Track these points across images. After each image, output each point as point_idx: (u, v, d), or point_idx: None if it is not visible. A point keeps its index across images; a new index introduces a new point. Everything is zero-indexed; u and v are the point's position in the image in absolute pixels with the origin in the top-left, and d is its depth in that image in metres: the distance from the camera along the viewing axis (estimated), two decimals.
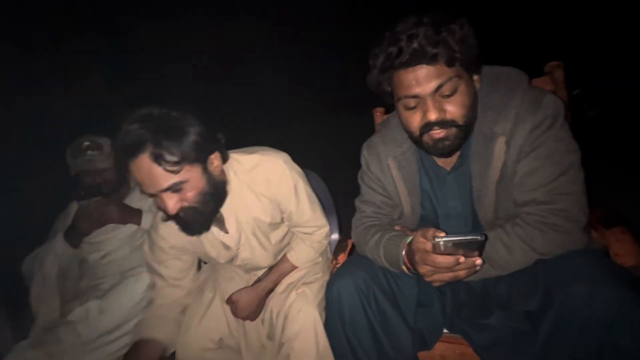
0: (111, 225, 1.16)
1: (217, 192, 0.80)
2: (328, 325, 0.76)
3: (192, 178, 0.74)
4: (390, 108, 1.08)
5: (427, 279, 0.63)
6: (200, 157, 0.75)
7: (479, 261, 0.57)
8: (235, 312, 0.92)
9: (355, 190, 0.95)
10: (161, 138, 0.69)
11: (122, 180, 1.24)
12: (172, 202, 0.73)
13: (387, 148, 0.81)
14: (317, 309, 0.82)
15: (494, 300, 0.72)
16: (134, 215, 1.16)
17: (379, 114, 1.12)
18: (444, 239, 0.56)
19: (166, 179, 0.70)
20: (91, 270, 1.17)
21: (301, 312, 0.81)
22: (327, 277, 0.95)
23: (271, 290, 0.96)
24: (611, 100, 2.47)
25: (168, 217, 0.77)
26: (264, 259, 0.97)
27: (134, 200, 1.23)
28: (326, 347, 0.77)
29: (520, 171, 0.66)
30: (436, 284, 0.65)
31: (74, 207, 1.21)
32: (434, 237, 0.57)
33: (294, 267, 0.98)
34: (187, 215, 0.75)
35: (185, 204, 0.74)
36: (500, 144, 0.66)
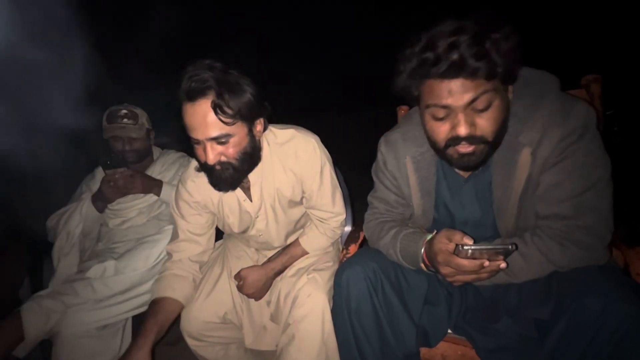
0: (131, 195, 1.21)
1: (254, 154, 0.84)
2: (334, 311, 0.77)
3: (239, 134, 0.78)
4: (414, 105, 1.08)
5: (449, 279, 0.63)
6: (250, 117, 0.79)
7: (503, 265, 0.57)
8: (241, 289, 0.94)
9: (370, 185, 0.95)
10: (224, 90, 0.73)
11: (147, 152, 1.29)
12: (214, 154, 0.76)
13: (406, 145, 0.78)
14: (326, 295, 0.83)
15: (503, 306, 0.71)
16: (155, 186, 1.20)
17: (402, 112, 1.12)
18: (472, 247, 0.54)
19: (217, 129, 0.74)
20: (109, 234, 1.23)
21: (311, 296, 0.82)
22: (337, 266, 0.94)
23: (279, 272, 0.98)
24: None
25: (203, 168, 0.81)
26: (275, 235, 0.99)
27: (155, 172, 1.28)
28: (331, 333, 0.79)
29: (545, 183, 0.64)
30: (457, 284, 0.65)
31: (99, 171, 1.27)
32: (462, 245, 0.55)
33: (304, 253, 0.99)
34: (222, 169, 0.79)
35: (224, 158, 0.78)
36: (525, 155, 0.63)
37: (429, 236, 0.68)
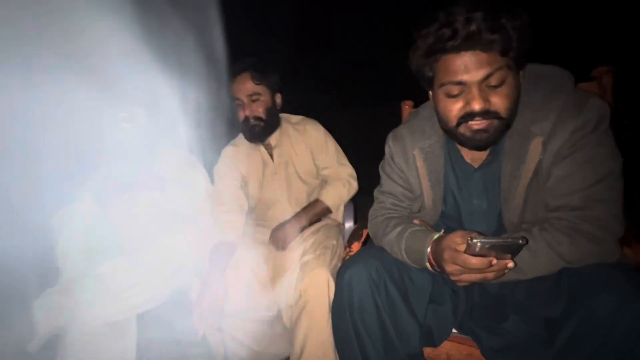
0: (133, 191, 1.20)
1: (275, 115, 1.20)
2: (335, 310, 0.76)
3: (266, 96, 1.16)
4: (418, 102, 1.07)
5: (453, 279, 0.62)
6: (273, 87, 1.18)
7: (510, 264, 0.56)
8: (275, 240, 1.09)
9: (373, 182, 0.95)
10: (258, 67, 1.14)
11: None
12: (250, 108, 1.14)
13: (414, 138, 0.80)
14: (329, 271, 0.92)
15: (510, 304, 0.70)
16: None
17: (407, 107, 1.11)
18: (482, 240, 0.53)
19: (252, 88, 1.13)
20: (115, 231, 1.22)
21: (314, 271, 0.91)
22: (340, 250, 1.02)
23: (305, 227, 1.12)
24: None
25: (243, 125, 1.16)
26: (287, 204, 1.19)
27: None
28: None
29: (555, 174, 0.63)
30: (461, 284, 0.63)
31: (101, 170, 1.27)
32: (471, 237, 0.54)
33: (324, 208, 1.15)
34: (255, 123, 1.14)
35: (257, 114, 1.14)
36: (536, 144, 0.63)
37: (436, 235, 0.67)
